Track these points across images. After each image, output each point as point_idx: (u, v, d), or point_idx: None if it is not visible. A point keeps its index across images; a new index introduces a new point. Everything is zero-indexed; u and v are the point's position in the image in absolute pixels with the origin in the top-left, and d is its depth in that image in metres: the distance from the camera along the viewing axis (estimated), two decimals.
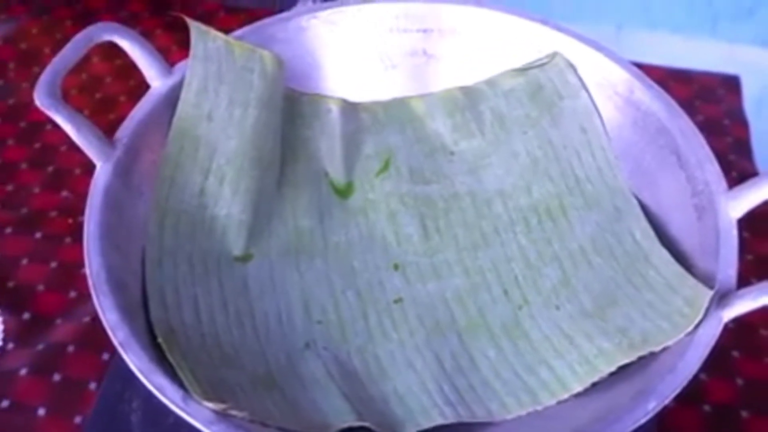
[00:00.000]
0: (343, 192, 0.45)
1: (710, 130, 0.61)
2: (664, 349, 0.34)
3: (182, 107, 0.40)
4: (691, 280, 0.35)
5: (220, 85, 0.41)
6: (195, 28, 0.42)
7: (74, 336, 0.47)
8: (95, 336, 0.46)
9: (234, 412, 0.31)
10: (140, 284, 0.37)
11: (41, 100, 0.36)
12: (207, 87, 0.41)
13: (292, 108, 0.46)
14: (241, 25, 0.45)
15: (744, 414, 0.46)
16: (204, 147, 0.41)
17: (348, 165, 0.45)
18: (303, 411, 0.35)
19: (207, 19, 0.66)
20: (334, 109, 0.46)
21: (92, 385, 0.45)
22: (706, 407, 0.46)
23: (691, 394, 0.46)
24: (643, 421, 0.31)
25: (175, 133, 0.40)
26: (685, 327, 0.33)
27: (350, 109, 0.46)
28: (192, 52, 0.41)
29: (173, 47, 0.64)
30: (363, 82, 0.47)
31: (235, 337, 0.37)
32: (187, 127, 0.40)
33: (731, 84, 0.65)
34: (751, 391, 0.47)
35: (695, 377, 0.47)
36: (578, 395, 0.35)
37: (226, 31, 0.44)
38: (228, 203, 0.41)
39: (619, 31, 0.82)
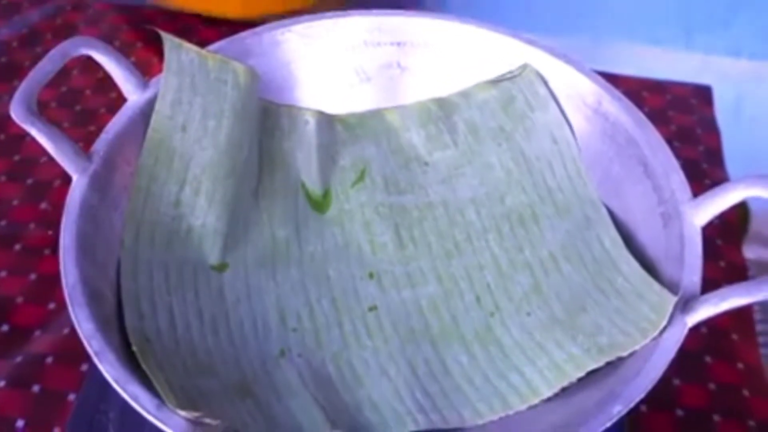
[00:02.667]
0: (319, 202, 0.46)
1: (683, 139, 0.63)
2: (631, 354, 0.34)
3: (156, 119, 0.41)
4: (656, 287, 0.36)
5: (194, 97, 0.42)
6: (168, 40, 0.42)
7: (53, 348, 0.47)
8: (74, 347, 0.46)
9: (207, 421, 0.31)
10: (116, 295, 0.38)
11: (17, 113, 0.36)
12: (181, 99, 0.41)
13: (270, 120, 0.46)
14: (220, 38, 0.46)
15: (716, 418, 0.46)
16: (179, 158, 0.41)
17: (324, 176, 0.46)
18: (277, 419, 0.35)
19: (187, 32, 0.67)
20: (311, 121, 0.46)
21: (71, 397, 0.45)
22: (679, 412, 0.47)
23: (663, 399, 0.47)
24: (608, 424, 0.31)
25: (150, 144, 0.41)
26: (650, 332, 0.34)
27: (326, 121, 0.47)
28: (165, 64, 0.42)
29: (154, 60, 0.65)
30: (338, 95, 0.47)
31: (210, 345, 0.38)
32: (162, 138, 0.41)
33: (703, 94, 0.66)
34: (723, 395, 0.48)
35: (668, 382, 0.48)
36: (548, 400, 0.36)
37: (206, 44, 0.45)
38: (204, 213, 0.41)
39: (595, 42, 0.83)
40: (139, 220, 0.40)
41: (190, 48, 0.43)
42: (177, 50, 0.42)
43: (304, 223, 0.45)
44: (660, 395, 0.47)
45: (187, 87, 0.42)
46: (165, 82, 0.41)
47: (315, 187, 0.46)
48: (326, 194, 0.46)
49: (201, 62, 0.43)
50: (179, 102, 0.41)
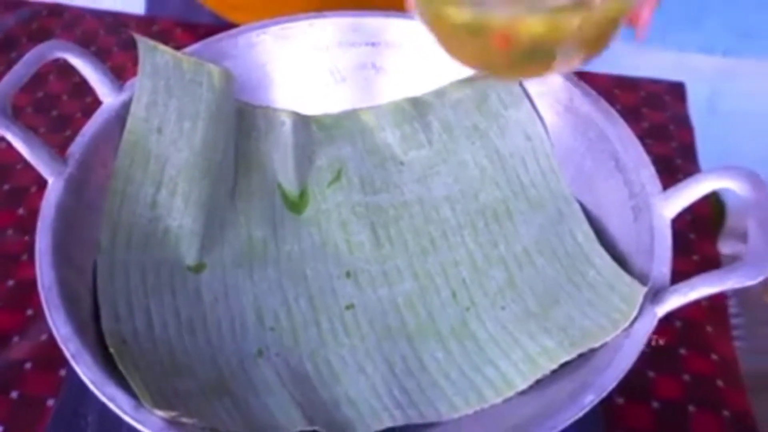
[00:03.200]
0: (296, 203, 0.46)
1: (656, 135, 0.63)
2: (603, 346, 0.35)
3: (132, 121, 0.41)
4: (627, 278, 0.37)
5: (169, 99, 0.42)
6: (143, 43, 0.42)
7: (31, 353, 0.47)
8: (52, 353, 0.45)
9: (184, 420, 0.32)
10: (94, 297, 0.38)
11: None
12: (156, 101, 0.42)
13: (246, 121, 0.46)
14: (197, 42, 0.46)
15: (691, 409, 0.47)
16: (155, 159, 0.41)
17: (300, 176, 0.46)
18: (254, 417, 0.35)
19: (164, 36, 0.67)
20: (287, 121, 0.47)
21: (50, 402, 0.45)
22: (654, 403, 0.47)
23: (639, 391, 0.48)
24: (580, 414, 0.32)
25: (126, 146, 0.41)
26: (621, 323, 0.35)
27: (302, 121, 0.47)
28: (140, 67, 0.42)
29: (129, 64, 0.65)
30: (314, 95, 0.48)
31: (187, 345, 0.38)
32: (138, 140, 0.41)
33: (677, 91, 0.67)
34: (697, 386, 0.48)
35: (643, 374, 0.49)
36: (522, 392, 0.36)
37: (182, 48, 0.45)
38: (180, 214, 0.41)
39: None
40: (116, 221, 0.40)
41: (165, 50, 0.43)
42: (152, 53, 0.42)
43: (281, 223, 0.45)
44: (635, 387, 0.48)
45: (162, 89, 0.42)
46: (140, 84, 0.42)
47: (291, 188, 0.46)
48: (303, 194, 0.46)
49: (176, 64, 0.43)
50: (154, 104, 0.42)
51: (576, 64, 0.37)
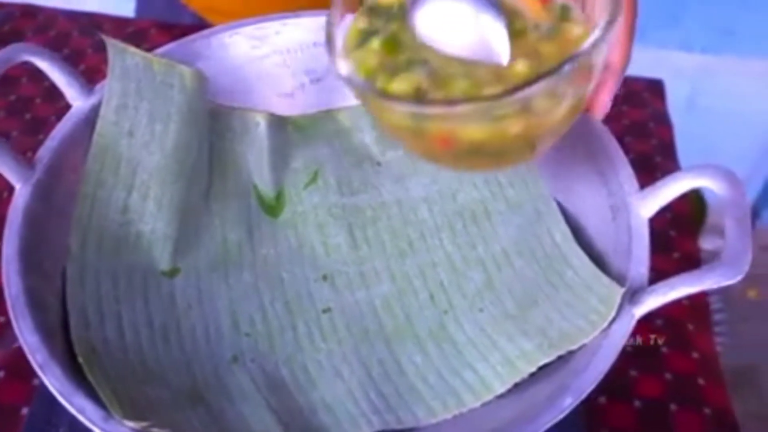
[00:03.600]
0: (272, 205, 0.45)
1: (636, 133, 0.63)
2: (581, 348, 0.35)
3: (102, 124, 0.40)
4: (605, 279, 0.36)
5: (140, 102, 0.41)
6: (112, 45, 0.42)
7: (4, 361, 0.46)
8: (25, 361, 0.45)
9: (155, 430, 0.31)
10: (63, 305, 0.37)
11: None
12: (126, 103, 0.41)
13: (220, 122, 0.46)
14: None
15: (673, 407, 0.47)
16: (126, 163, 0.41)
17: (276, 178, 0.46)
18: (228, 425, 0.35)
19: (139, 37, 0.66)
20: (262, 123, 0.46)
21: (24, 411, 0.44)
22: (637, 402, 0.47)
23: (621, 390, 0.47)
24: (560, 417, 0.32)
25: (96, 150, 0.40)
26: (599, 324, 0.34)
27: (277, 122, 0.47)
28: (110, 69, 0.41)
29: (104, 67, 0.64)
30: (289, 96, 0.47)
31: (160, 353, 0.37)
32: (108, 143, 0.40)
33: (656, 88, 0.67)
34: (679, 385, 0.48)
35: (624, 373, 0.48)
36: (501, 396, 0.36)
37: (159, 48, 0.44)
38: (153, 218, 0.41)
39: None
40: (86, 226, 0.39)
41: (135, 52, 0.42)
42: (121, 55, 0.42)
43: (257, 226, 0.44)
44: (617, 387, 0.48)
45: (132, 92, 0.41)
46: (109, 87, 0.41)
47: (267, 190, 0.45)
48: (279, 196, 0.46)
49: (146, 66, 0.42)
50: (125, 107, 0.41)
51: (531, 158, 0.36)
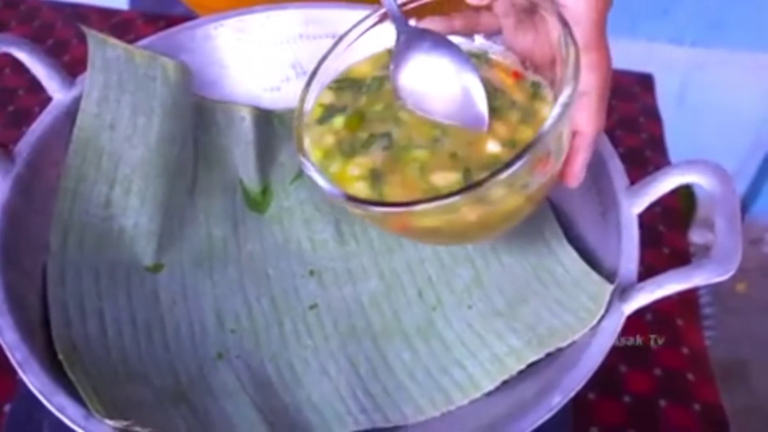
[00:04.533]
0: (259, 200, 0.45)
1: (626, 127, 0.63)
2: (570, 345, 0.34)
3: (82, 117, 0.40)
4: (594, 276, 0.36)
5: (121, 94, 0.40)
6: (92, 37, 0.41)
7: None
8: (7, 358, 0.44)
9: (137, 429, 0.30)
10: (43, 302, 0.36)
11: None
12: (108, 96, 0.40)
13: (205, 116, 0.45)
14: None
15: (662, 403, 0.47)
16: (108, 157, 0.40)
17: (263, 173, 0.45)
18: (212, 423, 0.34)
19: (124, 28, 0.65)
20: (248, 117, 0.45)
21: (6, 407, 0.43)
22: (626, 398, 0.47)
23: (610, 386, 0.47)
24: (548, 416, 0.31)
25: (77, 143, 0.39)
26: (589, 321, 0.34)
27: (263, 116, 0.46)
28: (90, 61, 0.41)
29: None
30: (274, 89, 0.46)
31: (143, 351, 0.37)
32: (89, 137, 0.40)
33: (645, 82, 0.66)
34: (668, 380, 0.48)
35: (614, 369, 0.48)
36: (489, 393, 0.36)
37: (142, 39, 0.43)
38: (136, 213, 0.40)
39: None
40: (67, 222, 0.38)
41: (116, 44, 0.41)
42: (101, 46, 0.41)
43: (242, 222, 0.44)
44: (607, 382, 0.47)
45: (114, 84, 0.40)
46: (90, 79, 0.40)
47: (253, 185, 0.45)
48: (265, 191, 0.45)
49: (128, 58, 0.41)
50: (106, 99, 0.40)
51: (495, 236, 0.37)
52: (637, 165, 0.59)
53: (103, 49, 0.41)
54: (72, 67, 0.41)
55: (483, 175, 0.29)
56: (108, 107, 0.40)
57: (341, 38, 0.36)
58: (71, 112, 0.40)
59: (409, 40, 0.34)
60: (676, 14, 0.93)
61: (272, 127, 0.46)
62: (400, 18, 0.34)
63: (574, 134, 0.33)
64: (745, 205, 1.14)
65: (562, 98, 0.30)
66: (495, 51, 0.36)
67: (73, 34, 0.66)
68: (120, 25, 0.65)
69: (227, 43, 0.45)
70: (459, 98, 0.33)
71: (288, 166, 0.45)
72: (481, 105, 0.32)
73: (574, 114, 0.32)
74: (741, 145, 1.00)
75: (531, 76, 0.34)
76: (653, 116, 0.64)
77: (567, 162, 0.33)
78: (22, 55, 0.39)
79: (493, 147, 0.32)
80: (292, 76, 0.46)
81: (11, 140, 0.38)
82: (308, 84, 0.35)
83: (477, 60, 0.34)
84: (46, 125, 0.39)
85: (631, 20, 0.92)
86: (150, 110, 0.41)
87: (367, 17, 0.36)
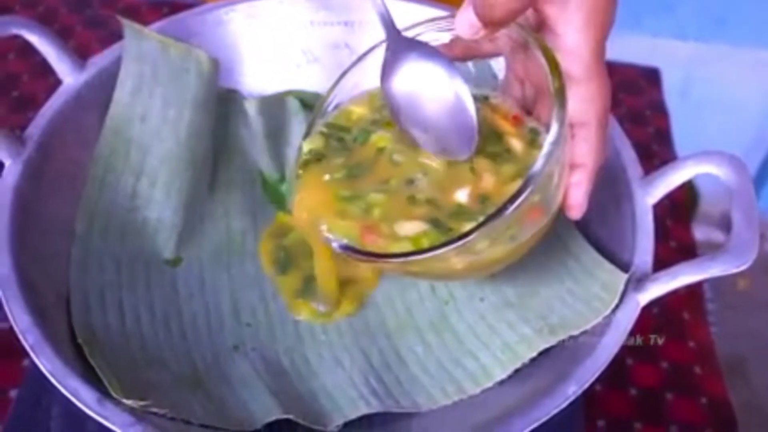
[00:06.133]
0: (278, 191, 0.44)
1: (633, 121, 0.63)
2: (584, 334, 0.34)
3: (114, 107, 0.39)
4: (608, 266, 0.36)
5: (155, 86, 0.40)
6: (128, 27, 0.40)
7: None
8: (14, 343, 0.44)
9: (155, 410, 0.30)
10: (55, 286, 0.36)
11: None
12: (141, 87, 0.40)
13: (225, 107, 0.44)
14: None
15: (669, 396, 0.47)
16: (136, 148, 0.40)
17: (278, 160, 0.45)
18: (228, 408, 0.34)
19: (130, 13, 0.64)
20: (259, 106, 0.45)
21: (13, 393, 0.43)
22: (633, 390, 0.47)
23: (617, 378, 0.47)
24: (564, 405, 0.31)
25: (107, 133, 0.39)
26: (602, 311, 0.34)
27: (276, 103, 0.46)
28: (125, 51, 0.40)
29: (94, 44, 0.62)
30: (285, 76, 0.46)
31: (161, 340, 0.37)
32: (120, 127, 0.39)
33: (652, 76, 0.66)
34: (675, 373, 0.48)
35: (621, 362, 0.48)
36: (502, 382, 0.35)
37: (149, 25, 0.43)
38: (160, 206, 0.40)
39: None
40: (93, 210, 0.38)
41: (151, 35, 0.41)
42: (137, 36, 0.40)
43: (262, 214, 0.43)
44: (614, 375, 0.47)
45: (148, 76, 0.40)
46: (125, 69, 0.40)
47: (272, 173, 0.45)
48: (283, 178, 0.45)
49: (163, 50, 0.41)
50: (139, 91, 0.40)
51: (484, 276, 0.37)
52: (643, 159, 0.59)
53: (139, 40, 0.40)
54: (77, 53, 0.41)
55: (451, 223, 0.29)
56: (140, 99, 0.40)
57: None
58: (81, 96, 0.40)
59: (398, 48, 0.33)
60: (680, 10, 0.92)
61: (285, 112, 0.46)
62: (391, 25, 0.34)
63: (574, 166, 0.32)
64: None
65: (545, 149, 0.29)
66: (496, 96, 0.35)
67: (77, 20, 0.65)
68: (124, 11, 0.65)
69: (238, 29, 0.45)
70: (448, 104, 0.32)
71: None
72: (471, 109, 0.32)
73: (574, 146, 0.32)
74: (744, 140, 1.00)
75: (530, 122, 0.34)
76: (660, 110, 0.64)
77: (568, 195, 0.33)
78: (33, 38, 0.38)
79: (462, 196, 0.32)
80: (302, 62, 0.46)
81: (16, 125, 0.38)
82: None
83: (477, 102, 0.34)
84: (56, 109, 0.39)
85: (636, 15, 0.92)
86: (182, 103, 0.40)
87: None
